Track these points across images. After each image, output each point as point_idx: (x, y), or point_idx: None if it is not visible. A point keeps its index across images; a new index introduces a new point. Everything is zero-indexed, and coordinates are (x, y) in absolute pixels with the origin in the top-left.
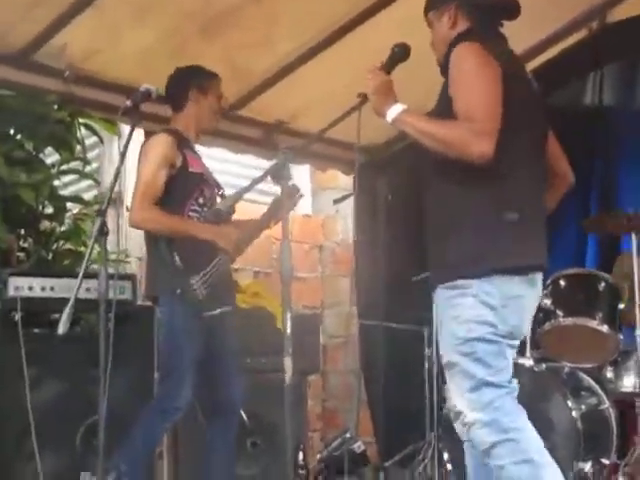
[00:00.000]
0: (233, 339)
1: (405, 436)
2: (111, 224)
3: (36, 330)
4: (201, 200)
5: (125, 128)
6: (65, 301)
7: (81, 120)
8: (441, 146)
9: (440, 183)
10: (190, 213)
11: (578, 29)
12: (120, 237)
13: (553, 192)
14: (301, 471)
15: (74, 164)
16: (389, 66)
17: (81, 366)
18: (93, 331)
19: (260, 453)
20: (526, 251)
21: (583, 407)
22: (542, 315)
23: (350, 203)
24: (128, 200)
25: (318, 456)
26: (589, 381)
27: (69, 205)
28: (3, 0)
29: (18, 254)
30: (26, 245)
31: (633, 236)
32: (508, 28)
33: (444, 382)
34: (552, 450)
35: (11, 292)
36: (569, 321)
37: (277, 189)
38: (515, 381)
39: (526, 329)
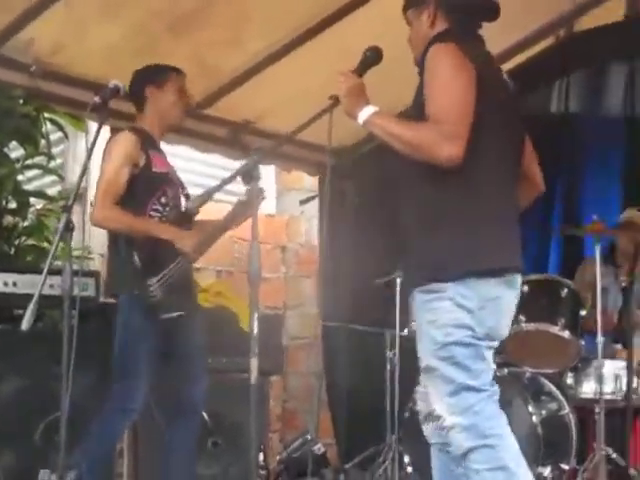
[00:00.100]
0: (196, 339)
1: (366, 438)
2: (76, 220)
3: None
4: (164, 200)
5: (91, 124)
6: (28, 297)
7: (47, 115)
8: (409, 149)
9: (413, 186)
10: (152, 213)
11: (546, 36)
12: (84, 234)
13: (522, 197)
14: (261, 472)
15: (38, 159)
16: (361, 69)
17: (44, 362)
18: (56, 327)
19: (221, 453)
20: (502, 253)
21: (543, 412)
22: None
23: (315, 204)
24: (92, 197)
25: (278, 457)
26: (550, 386)
27: (32, 200)
28: None
29: None
30: None
31: (597, 248)
32: None
33: (408, 384)
34: None
35: None
36: (531, 326)
37: (243, 189)
38: (496, 384)
39: (505, 331)
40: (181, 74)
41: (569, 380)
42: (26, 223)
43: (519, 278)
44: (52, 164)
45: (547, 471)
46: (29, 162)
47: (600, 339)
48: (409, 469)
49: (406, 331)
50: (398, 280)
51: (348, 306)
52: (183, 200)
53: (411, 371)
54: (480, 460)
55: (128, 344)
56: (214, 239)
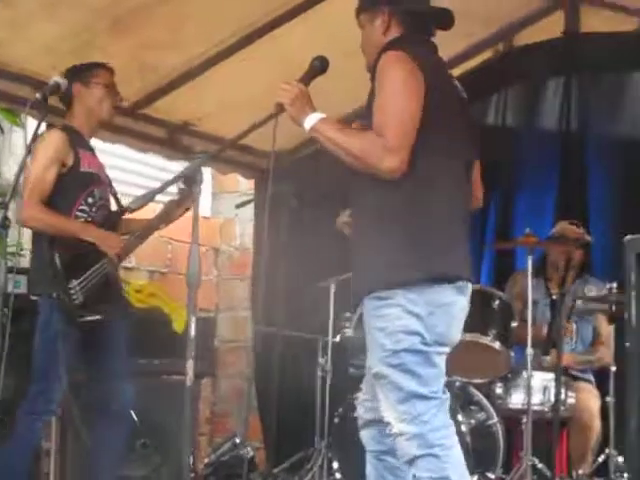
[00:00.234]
0: (120, 340)
1: (295, 443)
2: (11, 216)
3: None
4: (91, 200)
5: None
6: None
7: None
8: (351, 159)
9: (363, 193)
10: (78, 213)
11: (485, 50)
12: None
13: None
14: (190, 474)
15: None
16: (307, 78)
17: None
18: None
19: (150, 454)
20: (454, 261)
21: (472, 422)
22: None
23: (250, 208)
24: None
25: (205, 460)
26: (479, 396)
27: None
28: None
29: None
30: None
31: (529, 260)
32: None
33: (339, 391)
34: None
35: None
36: (463, 337)
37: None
38: (447, 391)
39: (456, 336)
40: (108, 70)
41: (498, 390)
42: None
43: (470, 286)
44: None
45: None
46: None
47: (530, 351)
48: (337, 475)
49: (338, 337)
50: (332, 286)
51: (281, 311)
52: (112, 200)
53: (342, 377)
54: (424, 468)
55: (46, 346)
56: (142, 239)
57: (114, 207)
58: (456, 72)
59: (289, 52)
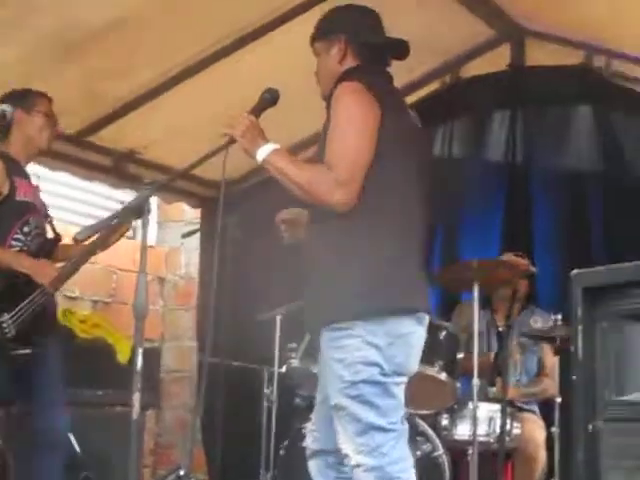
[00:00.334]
0: (55, 371)
1: (240, 475)
2: None
3: None
4: (26, 229)
5: None
6: None
7: None
8: (301, 192)
9: (320, 223)
10: (13, 242)
11: (432, 81)
12: None
13: None
14: None
15: None
16: (257, 110)
17: None
18: None
19: None
20: (412, 293)
21: (418, 453)
22: None
23: (196, 237)
24: None
25: None
26: (425, 427)
27: None
28: None
29: None
30: None
31: (475, 287)
32: None
33: (284, 422)
34: None
35: None
36: None
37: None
38: (406, 422)
39: (414, 366)
40: (49, 99)
41: (444, 421)
42: None
43: (427, 317)
44: None
45: None
46: None
47: (476, 382)
48: None
49: (284, 368)
50: (278, 316)
51: (226, 341)
52: (48, 228)
53: (288, 408)
54: None
55: None
56: (78, 266)
57: (51, 234)
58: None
59: (237, 80)
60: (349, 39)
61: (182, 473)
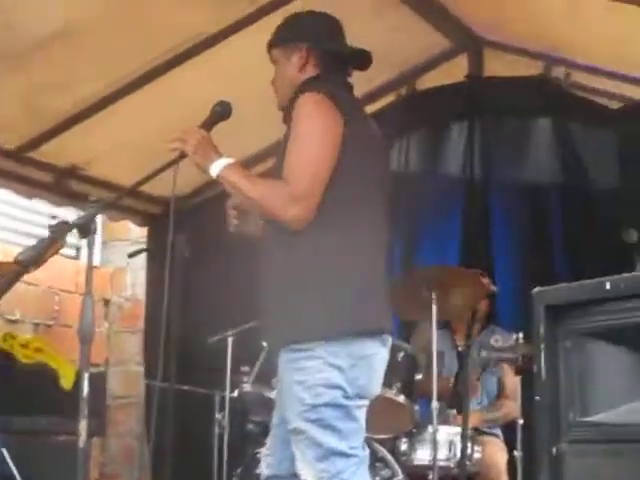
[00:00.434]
0: None
1: None
2: None
3: None
4: None
5: None
6: None
7: None
8: (256, 207)
9: (280, 239)
10: None
11: (387, 93)
12: None
13: None
14: None
15: None
16: (209, 124)
17: None
18: None
19: None
20: (376, 314)
21: (377, 479)
22: None
23: (142, 256)
24: None
25: None
26: (384, 452)
27: None
28: None
29: None
30: None
31: (433, 307)
32: None
33: (237, 448)
34: None
35: None
36: None
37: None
38: (367, 447)
39: (376, 389)
40: None
41: (403, 446)
42: None
43: (390, 339)
44: None
45: None
46: None
47: (435, 404)
48: None
49: (236, 392)
50: (230, 339)
51: (175, 365)
52: None
53: (240, 434)
54: None
55: None
56: (12, 284)
57: None
58: None
59: (184, 93)
60: (310, 47)
61: None
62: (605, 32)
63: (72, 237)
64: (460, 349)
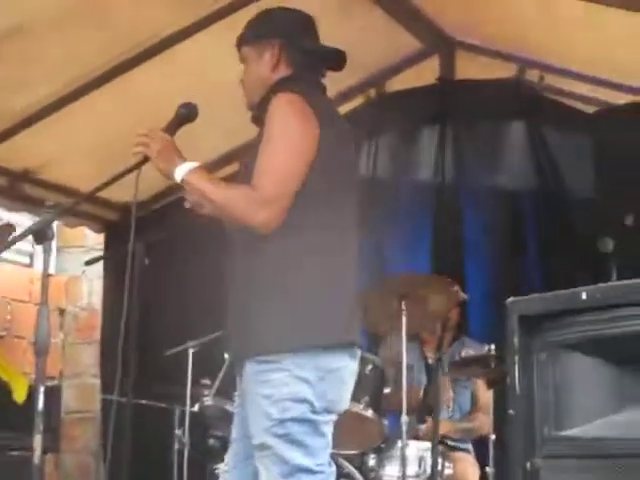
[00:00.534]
0: None
1: None
2: None
3: None
4: None
5: None
6: None
7: None
8: (223, 212)
9: (246, 250)
10: None
11: (355, 96)
12: None
13: None
14: None
15: None
16: (173, 127)
17: None
18: None
19: None
20: (345, 327)
21: None
22: None
23: (99, 264)
24: None
25: None
26: (350, 469)
27: None
28: None
29: None
30: None
31: (403, 318)
32: None
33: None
34: None
35: None
36: None
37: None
38: (333, 465)
39: (345, 404)
40: None
41: (371, 462)
42: None
43: (359, 352)
44: None
45: None
46: None
47: (405, 419)
48: None
49: (197, 407)
50: (190, 351)
51: (133, 378)
52: None
53: (201, 450)
54: None
55: None
56: None
57: None
58: None
59: (145, 93)
60: (284, 44)
61: None
62: (580, 35)
63: (26, 243)
64: (430, 361)
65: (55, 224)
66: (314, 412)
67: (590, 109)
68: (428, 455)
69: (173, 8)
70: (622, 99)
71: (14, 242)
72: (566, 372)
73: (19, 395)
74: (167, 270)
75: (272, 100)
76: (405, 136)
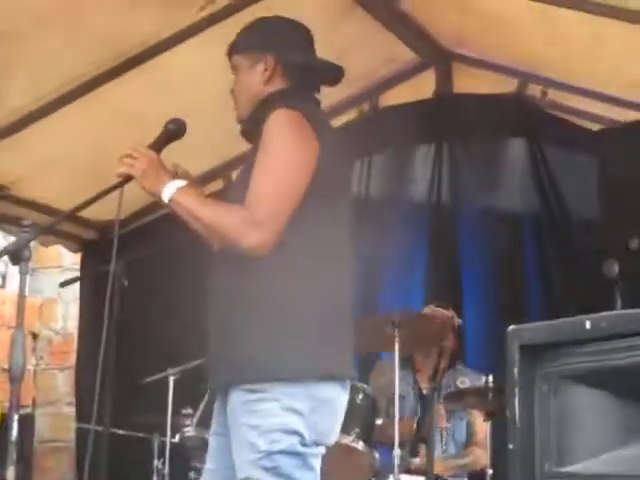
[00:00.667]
0: None
1: None
2: None
3: None
4: None
5: None
6: None
7: None
8: (213, 233)
9: (232, 267)
10: None
11: (347, 110)
12: None
13: None
14: None
15: None
16: (160, 144)
17: None
18: None
19: None
20: (339, 358)
21: None
22: None
23: (74, 286)
24: None
25: None
26: None
27: None
28: None
29: None
30: None
31: (396, 345)
32: None
33: None
34: None
35: None
36: None
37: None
38: None
39: (334, 436)
40: None
41: None
42: None
43: (349, 383)
44: None
45: None
46: None
47: (397, 452)
48: None
49: (177, 437)
50: (171, 379)
51: (110, 406)
52: None
53: None
54: None
55: None
56: None
57: None
58: None
59: (125, 106)
60: (279, 57)
61: None
62: (586, 50)
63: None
64: (424, 391)
65: (32, 244)
66: (304, 445)
67: (595, 126)
68: None
69: (157, 17)
70: (629, 116)
71: None
72: (569, 405)
73: None
74: (147, 292)
75: (270, 115)
76: (399, 154)
